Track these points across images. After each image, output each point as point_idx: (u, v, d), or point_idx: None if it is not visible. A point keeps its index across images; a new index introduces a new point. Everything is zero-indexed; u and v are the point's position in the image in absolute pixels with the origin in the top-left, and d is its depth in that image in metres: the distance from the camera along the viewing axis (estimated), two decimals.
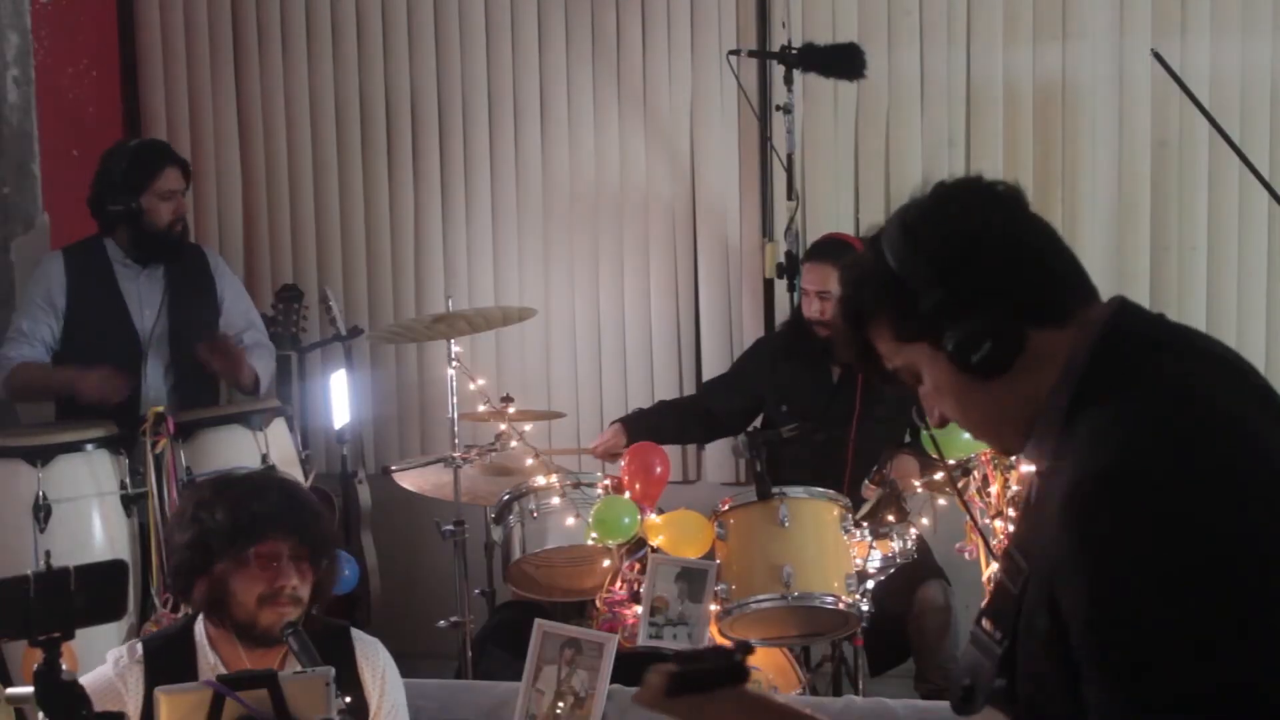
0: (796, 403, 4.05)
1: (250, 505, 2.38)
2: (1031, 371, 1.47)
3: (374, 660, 2.54)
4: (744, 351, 4.48)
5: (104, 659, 2.45)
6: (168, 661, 2.38)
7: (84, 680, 2.37)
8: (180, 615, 3.40)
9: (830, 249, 4.08)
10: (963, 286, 1.46)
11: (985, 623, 1.50)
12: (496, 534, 3.70)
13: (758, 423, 4.22)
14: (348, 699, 2.38)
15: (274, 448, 3.81)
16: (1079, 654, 1.34)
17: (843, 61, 4.31)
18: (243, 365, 4.08)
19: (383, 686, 2.53)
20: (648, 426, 4.15)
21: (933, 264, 1.47)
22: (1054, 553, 1.36)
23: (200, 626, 2.44)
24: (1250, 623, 1.28)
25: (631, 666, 3.00)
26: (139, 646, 2.43)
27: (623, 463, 3.72)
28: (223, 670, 2.36)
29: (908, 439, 3.93)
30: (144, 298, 4.14)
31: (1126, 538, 1.31)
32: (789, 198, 4.42)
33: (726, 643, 3.39)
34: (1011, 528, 2.96)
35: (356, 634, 2.56)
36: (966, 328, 1.46)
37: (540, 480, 3.60)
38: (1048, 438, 1.48)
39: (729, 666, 1.58)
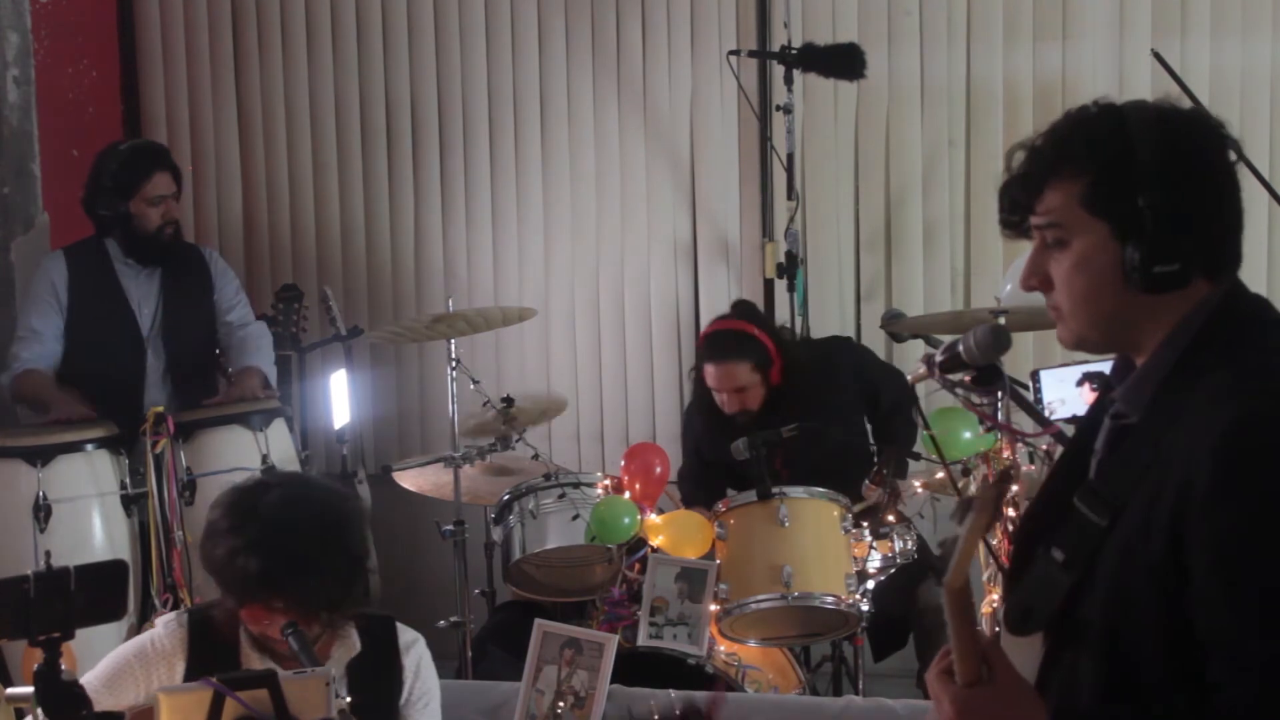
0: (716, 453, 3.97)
1: (244, 561, 2.28)
2: (1167, 306, 1.55)
3: (413, 651, 2.58)
4: (683, 418, 4.38)
5: (99, 654, 2.46)
6: (211, 639, 2.38)
7: (124, 646, 2.42)
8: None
9: (728, 345, 3.88)
10: (1186, 207, 1.52)
11: (1056, 552, 1.55)
12: (496, 534, 3.70)
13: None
14: (349, 698, 2.38)
15: (274, 448, 3.81)
16: (1207, 582, 1.42)
17: (843, 61, 4.31)
18: (258, 391, 4.06)
19: (418, 674, 2.56)
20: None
21: (1175, 170, 1.52)
22: (1195, 488, 1.43)
23: None
24: None
25: (631, 666, 3.00)
26: (186, 619, 2.43)
27: (623, 464, 3.72)
28: (268, 661, 2.36)
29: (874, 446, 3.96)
30: (143, 296, 4.16)
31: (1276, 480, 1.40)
32: (789, 198, 4.42)
33: (725, 643, 3.39)
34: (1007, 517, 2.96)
35: (401, 627, 2.60)
36: (1166, 242, 1.51)
37: (540, 480, 3.61)
38: (1145, 385, 1.56)
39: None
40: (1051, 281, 1.59)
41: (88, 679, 2.34)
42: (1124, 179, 1.52)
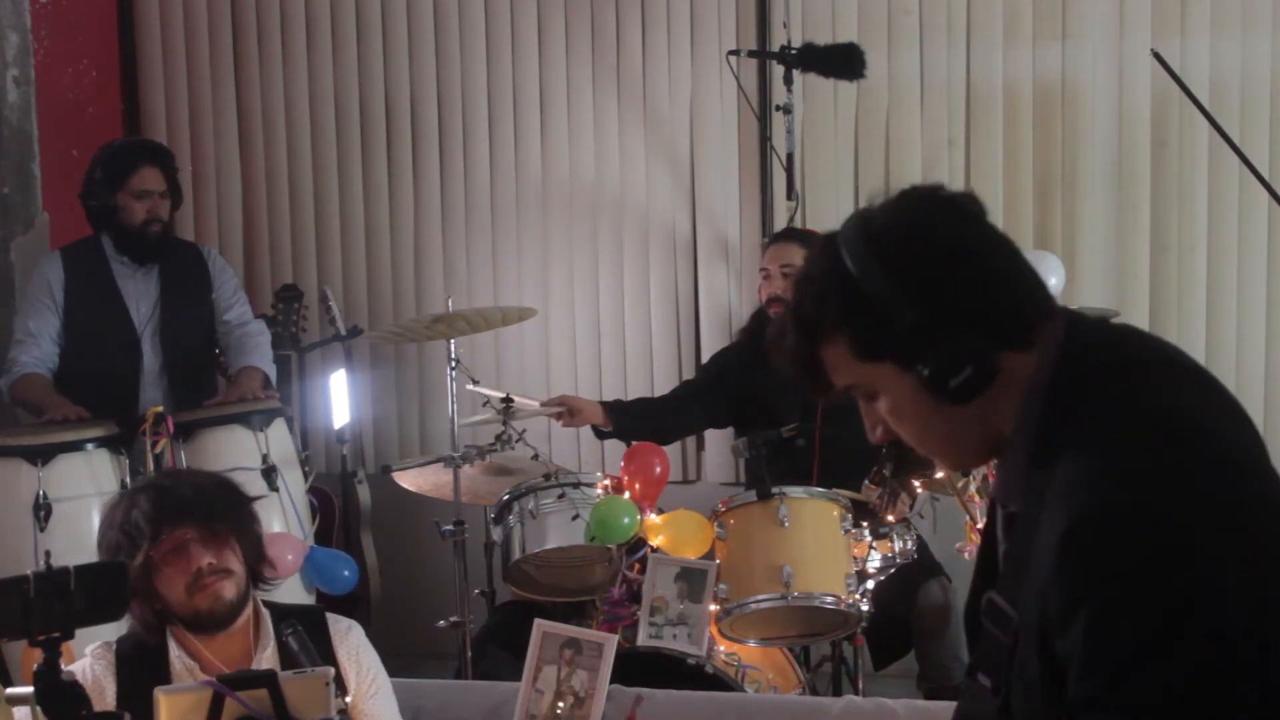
0: (775, 405, 4.03)
1: (131, 514, 2.38)
2: (998, 396, 1.43)
3: (348, 640, 2.55)
4: (708, 364, 4.41)
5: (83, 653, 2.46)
6: (139, 663, 2.39)
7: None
8: None
9: (795, 232, 4.22)
10: (941, 308, 1.40)
11: (980, 676, 1.46)
12: (496, 534, 3.70)
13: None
14: (348, 699, 2.38)
15: (274, 448, 3.81)
16: (1075, 692, 1.31)
17: (842, 61, 4.31)
18: (259, 392, 4.08)
19: (359, 664, 2.54)
20: (630, 416, 4.12)
21: (908, 283, 1.40)
22: (1048, 598, 1.33)
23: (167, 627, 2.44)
24: (1258, 651, 1.27)
25: (631, 666, 3.00)
26: (114, 645, 2.44)
27: (622, 464, 3.72)
28: (195, 666, 2.37)
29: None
30: (140, 295, 4.15)
31: (1126, 576, 1.28)
32: (789, 198, 4.42)
33: (725, 643, 3.39)
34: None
35: (332, 617, 2.57)
36: (945, 352, 1.40)
37: (540, 480, 3.60)
38: (1014, 474, 1.44)
39: None
40: (891, 431, 1.50)
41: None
42: (870, 317, 1.42)
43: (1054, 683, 1.34)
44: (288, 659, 2.39)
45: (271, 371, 4.23)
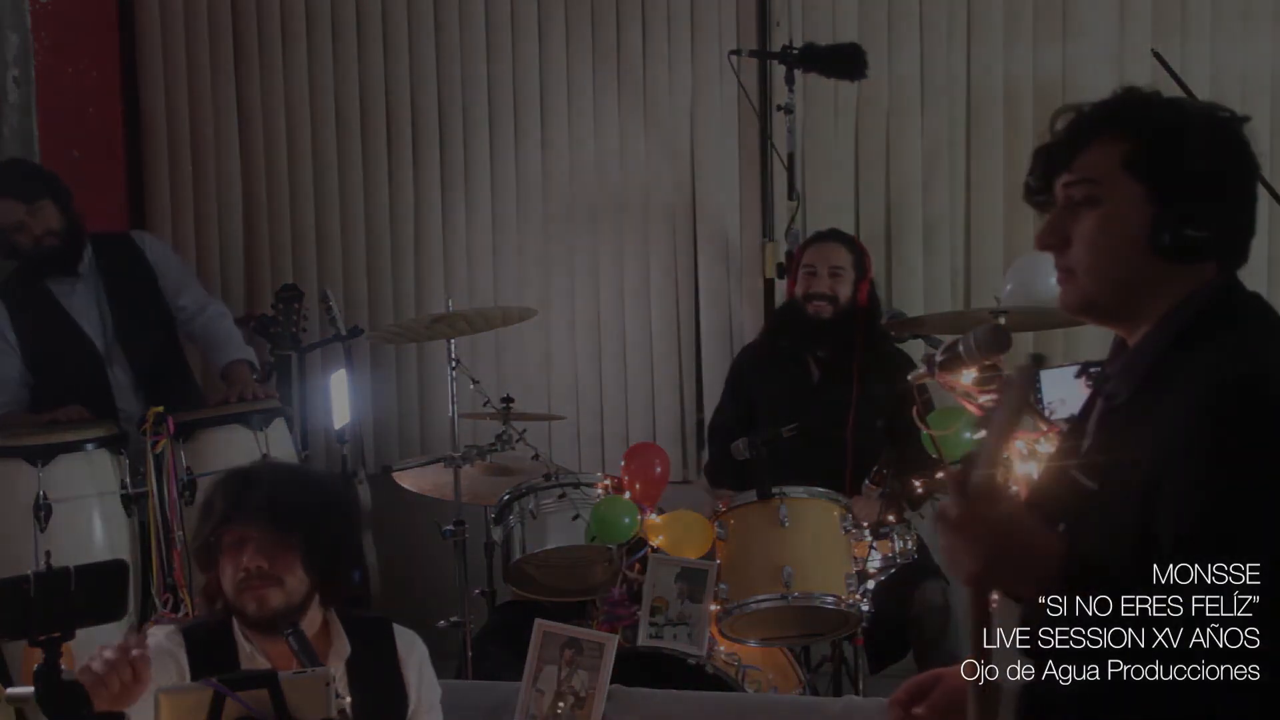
0: (778, 406, 4.04)
1: (217, 497, 2.40)
2: (1175, 280, 1.59)
3: (412, 653, 2.56)
4: (732, 361, 4.44)
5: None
6: (207, 648, 2.38)
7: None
8: (180, 615, 3.41)
9: (837, 232, 4.19)
10: (1218, 189, 1.58)
11: (1060, 527, 1.57)
12: (496, 534, 3.70)
13: None
14: (348, 699, 2.37)
15: (274, 448, 3.82)
16: (1165, 528, 1.44)
17: (844, 61, 4.31)
18: (257, 389, 4.05)
19: (421, 676, 2.55)
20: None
21: (1219, 151, 1.58)
22: (1175, 443, 1.45)
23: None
24: None
25: (631, 666, 3.00)
26: (179, 634, 2.41)
27: (623, 464, 3.72)
28: (260, 659, 2.35)
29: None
30: (86, 308, 4.04)
31: (1257, 437, 1.42)
32: (789, 198, 4.42)
33: (725, 643, 3.39)
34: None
35: (397, 628, 2.58)
36: (1203, 209, 1.56)
37: (540, 480, 3.60)
38: (1143, 359, 1.59)
39: None
40: (1069, 241, 1.62)
41: None
42: (1171, 147, 1.57)
43: (1146, 518, 1.47)
44: (357, 670, 2.39)
45: (251, 356, 4.18)
